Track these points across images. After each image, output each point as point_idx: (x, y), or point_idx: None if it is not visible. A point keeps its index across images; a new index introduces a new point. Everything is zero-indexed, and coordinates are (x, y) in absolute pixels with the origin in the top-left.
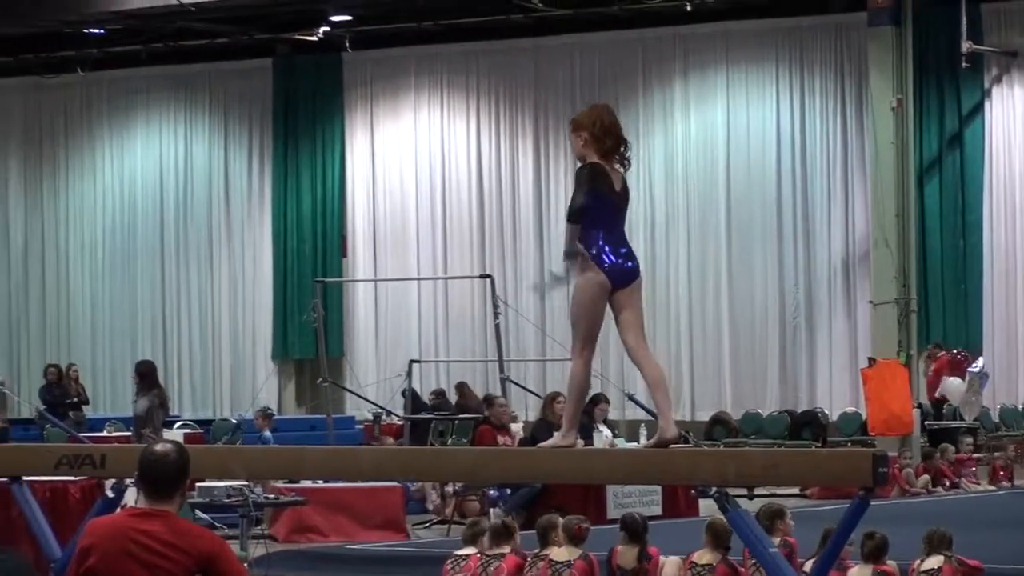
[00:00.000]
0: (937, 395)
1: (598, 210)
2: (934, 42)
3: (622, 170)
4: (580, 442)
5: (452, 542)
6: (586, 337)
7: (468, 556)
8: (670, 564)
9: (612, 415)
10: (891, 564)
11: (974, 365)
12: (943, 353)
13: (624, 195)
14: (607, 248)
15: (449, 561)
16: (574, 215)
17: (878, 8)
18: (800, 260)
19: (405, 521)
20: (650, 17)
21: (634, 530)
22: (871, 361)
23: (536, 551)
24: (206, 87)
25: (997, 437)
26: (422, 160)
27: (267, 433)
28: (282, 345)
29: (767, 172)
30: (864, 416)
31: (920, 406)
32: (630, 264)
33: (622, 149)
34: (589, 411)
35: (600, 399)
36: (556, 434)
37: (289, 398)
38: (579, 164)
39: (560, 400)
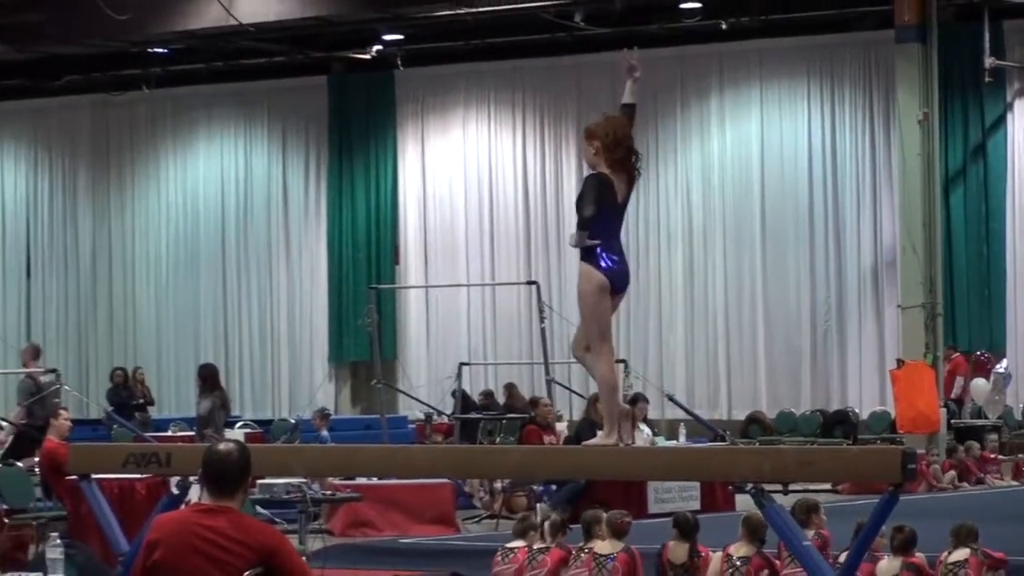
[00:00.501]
0: (952, 395)
1: (600, 219)
2: (958, 58)
3: (628, 180)
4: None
5: (500, 536)
6: (602, 337)
7: (516, 549)
8: (714, 560)
9: (652, 415)
10: (920, 556)
11: (998, 366)
12: (957, 354)
13: (624, 205)
14: (604, 254)
15: (499, 553)
16: (585, 223)
17: (905, 26)
18: (831, 266)
19: (455, 516)
20: (688, 35)
21: (685, 528)
22: (899, 363)
23: (580, 544)
24: (264, 103)
25: (1020, 435)
26: (470, 172)
27: (324, 432)
28: (338, 348)
29: (800, 182)
30: (893, 415)
31: (946, 405)
32: (625, 269)
33: (633, 160)
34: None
35: (639, 399)
36: (599, 433)
37: (345, 399)
38: (589, 171)
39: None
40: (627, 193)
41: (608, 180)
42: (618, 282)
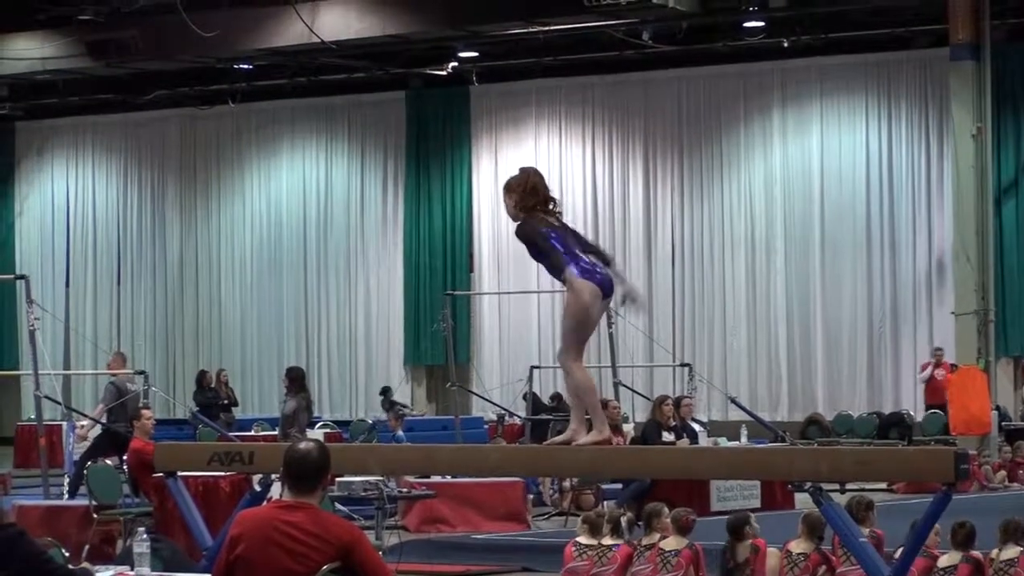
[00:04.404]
0: None
1: (561, 240)
2: (1011, 75)
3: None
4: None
5: (569, 532)
6: (580, 346)
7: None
8: (771, 555)
9: (716, 416)
10: (976, 552)
11: None
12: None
13: (565, 225)
14: (583, 263)
15: (573, 548)
16: (550, 267)
17: (959, 44)
18: (887, 274)
19: (527, 513)
20: (751, 53)
21: (733, 527)
22: (953, 367)
23: (642, 539)
24: (345, 117)
25: None
26: None
27: (400, 433)
28: (414, 352)
29: (857, 194)
30: (946, 417)
31: (997, 408)
32: (608, 276)
33: (550, 206)
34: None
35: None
36: (593, 432)
37: (421, 400)
38: (516, 223)
39: (668, 403)
40: (558, 221)
41: (537, 218)
42: (607, 287)
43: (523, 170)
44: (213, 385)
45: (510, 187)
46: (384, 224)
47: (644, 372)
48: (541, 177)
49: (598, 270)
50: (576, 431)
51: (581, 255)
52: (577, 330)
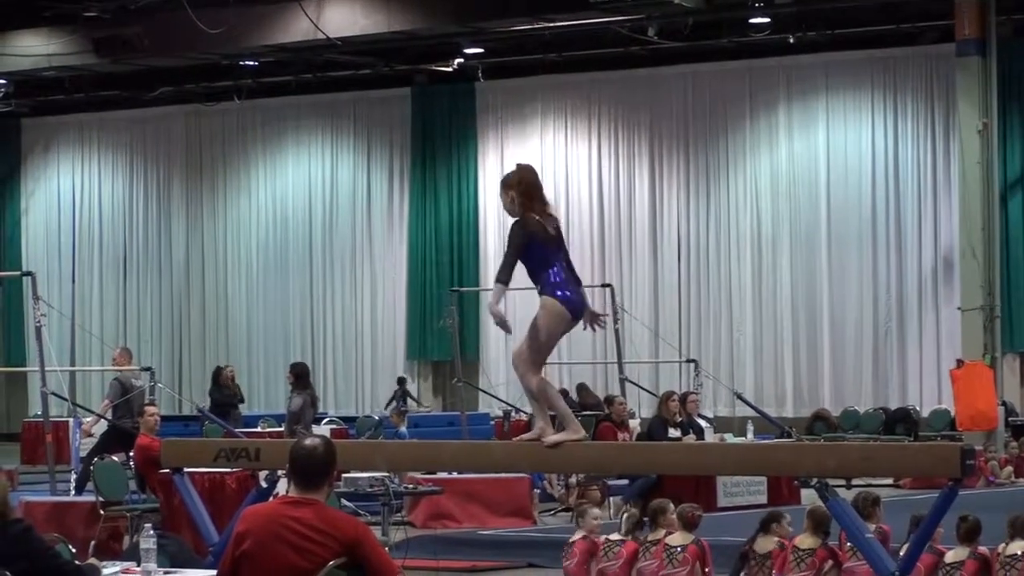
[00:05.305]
0: None
1: (543, 251)
2: (1017, 70)
3: (550, 215)
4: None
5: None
6: (542, 359)
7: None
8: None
9: (723, 412)
10: (983, 549)
11: None
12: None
13: (559, 236)
14: (561, 284)
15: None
16: (502, 275)
17: (965, 40)
18: (893, 270)
19: (533, 508)
20: (757, 49)
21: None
22: (959, 363)
23: (648, 535)
24: (350, 114)
25: None
26: (547, 179)
27: (403, 429)
28: (420, 348)
29: (863, 189)
30: (952, 413)
31: (1004, 403)
32: (579, 299)
33: (547, 208)
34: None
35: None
36: (567, 431)
37: (427, 396)
38: (512, 219)
39: (674, 399)
40: (556, 224)
41: (530, 221)
42: (576, 311)
43: (520, 167)
44: (231, 381)
45: (508, 184)
46: (390, 220)
47: (650, 368)
48: (536, 175)
49: (571, 293)
50: (543, 429)
51: (560, 274)
52: (541, 345)
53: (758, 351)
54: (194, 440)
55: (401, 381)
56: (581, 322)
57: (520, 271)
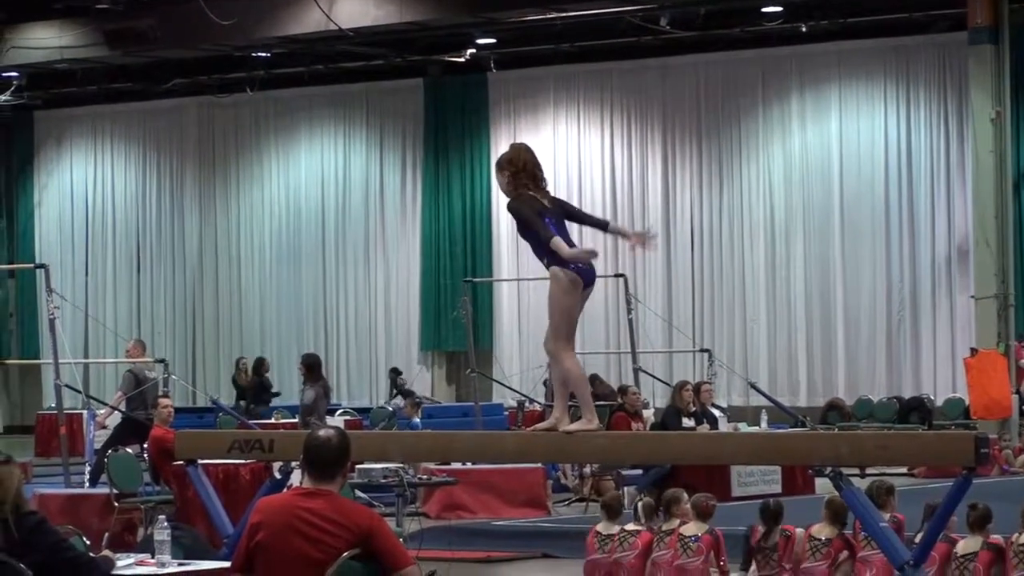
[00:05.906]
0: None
1: (554, 223)
2: None
3: (544, 192)
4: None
5: (589, 518)
6: (568, 334)
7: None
8: (798, 539)
9: (736, 402)
10: (996, 537)
11: None
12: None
13: (556, 207)
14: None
15: (595, 539)
16: (546, 240)
17: (978, 28)
18: (906, 258)
19: (547, 499)
20: (769, 38)
21: (771, 515)
22: (973, 351)
23: (662, 525)
24: (363, 105)
25: None
26: (560, 169)
27: (416, 420)
28: (434, 338)
29: (876, 178)
30: (967, 401)
31: (1018, 392)
32: (590, 270)
33: (541, 184)
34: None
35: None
36: (582, 421)
37: (441, 387)
38: (508, 199)
39: (688, 388)
40: (550, 198)
41: (527, 195)
42: (586, 277)
43: (514, 147)
44: (267, 373)
45: (501, 165)
46: (403, 211)
47: (664, 358)
48: (532, 153)
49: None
50: (559, 419)
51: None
52: (561, 319)
53: (772, 340)
54: (208, 432)
55: (394, 372)
56: (631, 244)
57: (531, 257)
